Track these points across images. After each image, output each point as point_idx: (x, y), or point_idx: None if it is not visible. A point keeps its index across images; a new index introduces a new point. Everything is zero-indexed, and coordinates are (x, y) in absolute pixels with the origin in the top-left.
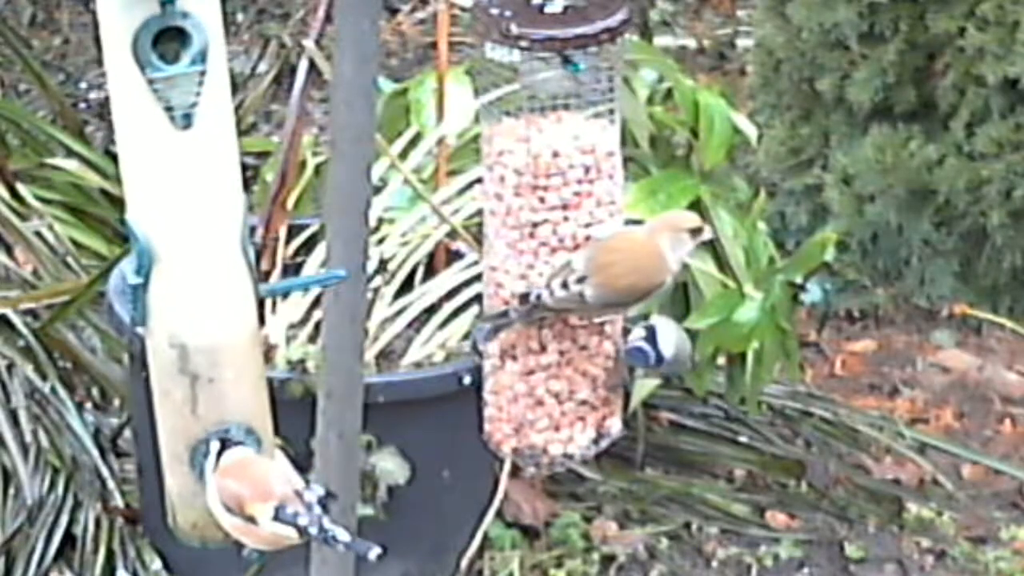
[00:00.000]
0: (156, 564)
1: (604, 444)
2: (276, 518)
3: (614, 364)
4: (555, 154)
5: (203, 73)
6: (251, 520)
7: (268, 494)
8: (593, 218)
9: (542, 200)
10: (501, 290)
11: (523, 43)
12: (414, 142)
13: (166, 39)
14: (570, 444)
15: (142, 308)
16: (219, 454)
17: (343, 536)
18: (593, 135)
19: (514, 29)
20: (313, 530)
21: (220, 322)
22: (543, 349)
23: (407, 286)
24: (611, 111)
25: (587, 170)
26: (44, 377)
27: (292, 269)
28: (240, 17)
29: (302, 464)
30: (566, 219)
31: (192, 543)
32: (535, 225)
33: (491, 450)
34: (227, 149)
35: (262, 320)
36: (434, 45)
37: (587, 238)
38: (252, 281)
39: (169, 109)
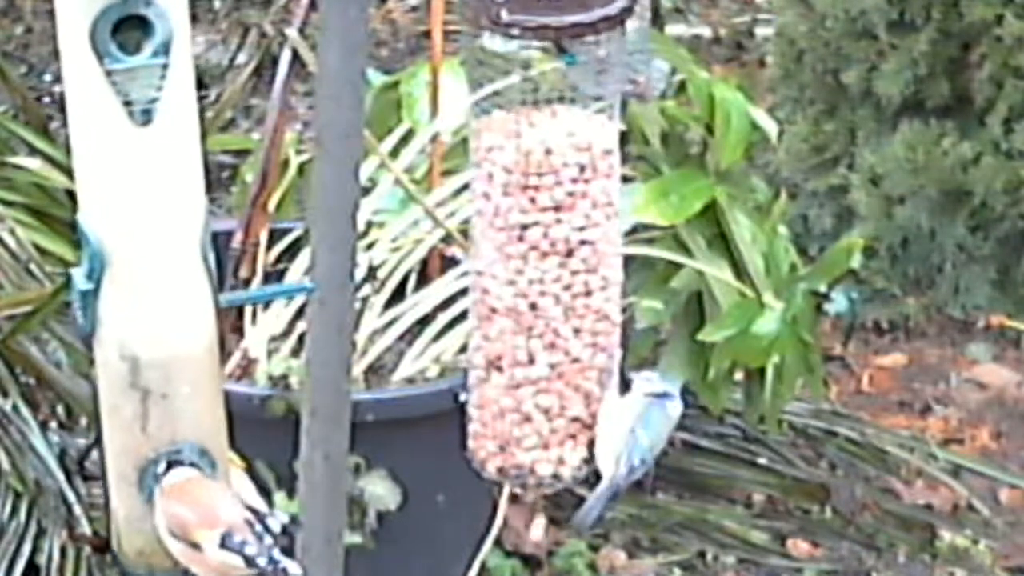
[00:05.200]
0: None
1: (596, 465)
2: (223, 546)
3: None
4: (548, 151)
5: (166, 66)
6: (196, 547)
7: (215, 521)
8: (588, 221)
9: (533, 200)
10: (488, 296)
11: (515, 32)
12: (406, 139)
13: (127, 28)
14: (560, 465)
15: (92, 316)
16: (165, 473)
17: (294, 570)
18: (590, 132)
19: (505, 16)
20: (262, 561)
21: (175, 333)
22: (532, 361)
23: (398, 295)
24: (611, 106)
25: (582, 169)
26: (5, 394)
27: (274, 276)
28: (217, 4)
29: (268, 488)
30: (558, 221)
31: (139, 572)
32: (524, 227)
33: (474, 469)
34: (189, 148)
35: (239, 332)
36: (427, 34)
37: (581, 242)
38: (211, 290)
39: (128, 103)
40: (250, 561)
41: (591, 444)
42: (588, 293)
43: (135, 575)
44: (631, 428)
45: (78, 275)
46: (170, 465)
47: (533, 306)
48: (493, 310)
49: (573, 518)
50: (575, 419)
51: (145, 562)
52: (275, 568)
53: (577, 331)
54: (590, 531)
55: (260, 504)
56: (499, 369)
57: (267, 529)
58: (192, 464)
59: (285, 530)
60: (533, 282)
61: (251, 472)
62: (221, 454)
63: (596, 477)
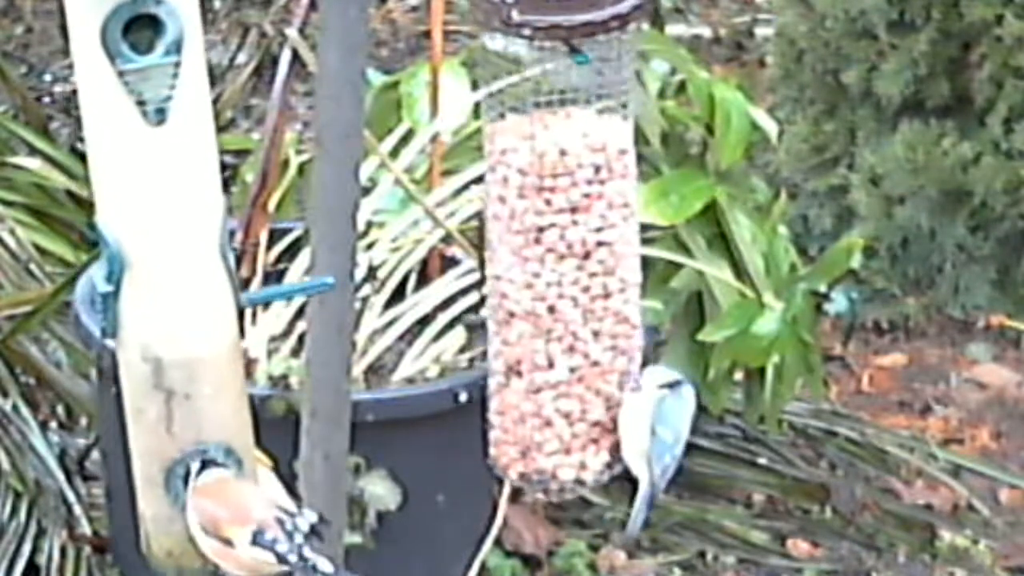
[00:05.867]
0: None
1: (619, 469)
2: (254, 543)
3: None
4: (562, 152)
5: (178, 64)
6: (228, 543)
7: (246, 518)
8: (604, 221)
9: (548, 202)
10: (506, 301)
11: (526, 32)
12: (406, 139)
13: (138, 28)
14: (582, 469)
15: (113, 318)
16: (199, 473)
17: (325, 567)
18: (604, 132)
19: (516, 16)
20: (292, 558)
21: (197, 333)
22: (552, 365)
23: (398, 295)
24: (623, 105)
25: (597, 170)
26: (5, 394)
27: (274, 276)
28: (218, 4)
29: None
30: (575, 223)
31: (167, 572)
32: (541, 229)
33: (497, 475)
34: (204, 146)
35: (242, 331)
36: (427, 34)
37: (598, 243)
38: (232, 289)
39: (141, 103)
40: (281, 558)
41: (615, 448)
42: (606, 295)
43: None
44: (651, 428)
45: (98, 278)
46: (204, 464)
47: (551, 309)
48: (511, 314)
49: (623, 533)
50: (596, 423)
51: (175, 563)
52: (305, 565)
53: (596, 334)
54: (638, 536)
55: (288, 503)
56: (519, 374)
57: (297, 527)
58: (221, 464)
59: (314, 529)
60: (551, 285)
61: (278, 471)
62: (247, 453)
63: (629, 480)
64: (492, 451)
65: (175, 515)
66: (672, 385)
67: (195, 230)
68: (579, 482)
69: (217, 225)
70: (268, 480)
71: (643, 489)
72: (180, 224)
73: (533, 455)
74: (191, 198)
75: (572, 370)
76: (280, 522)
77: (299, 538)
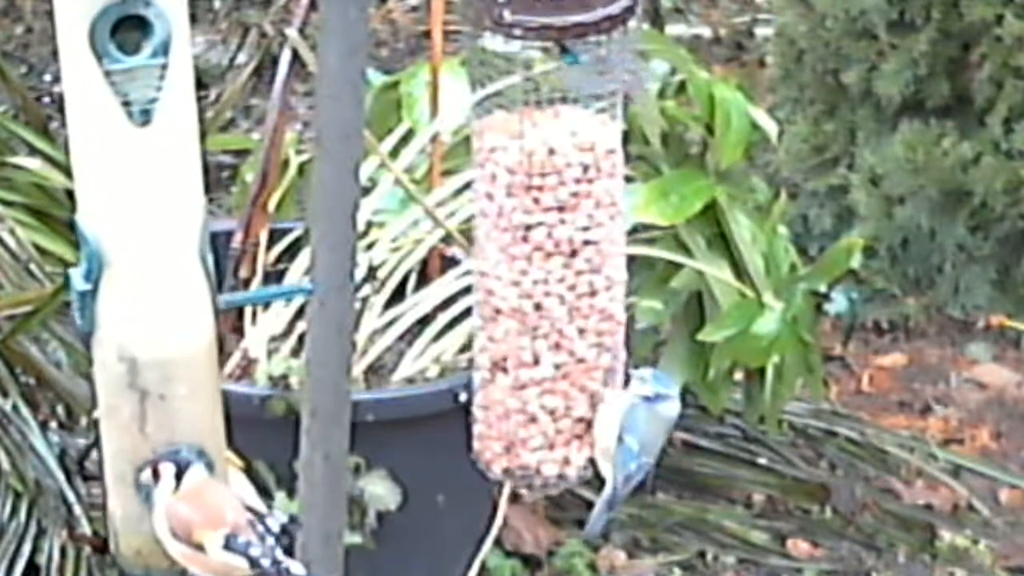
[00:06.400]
0: None
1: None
2: (227, 547)
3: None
4: (551, 151)
5: (164, 66)
6: (199, 548)
7: (219, 522)
8: (592, 221)
9: (536, 201)
10: (492, 297)
11: (517, 32)
12: (406, 139)
13: (126, 29)
14: (565, 465)
15: (90, 317)
16: (177, 478)
17: (297, 570)
18: (592, 131)
19: (507, 16)
20: (265, 562)
21: (173, 334)
22: (537, 362)
23: (398, 295)
24: (613, 106)
25: (585, 169)
26: (5, 394)
27: (274, 276)
28: (217, 4)
29: (268, 488)
30: (562, 222)
31: (136, 571)
32: (528, 228)
33: (480, 470)
34: (188, 149)
35: (239, 332)
36: (427, 34)
37: (585, 242)
38: (210, 291)
39: (127, 104)
40: (254, 562)
41: (593, 446)
42: (592, 293)
43: (133, 575)
44: (618, 434)
45: (76, 276)
46: (179, 469)
47: (538, 307)
48: (498, 311)
49: (584, 531)
50: (580, 419)
51: (143, 562)
52: (278, 569)
53: (582, 331)
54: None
55: (259, 504)
56: (504, 370)
57: (269, 530)
58: (191, 464)
59: (284, 530)
60: (537, 283)
61: (249, 472)
62: (219, 455)
63: (599, 478)
64: (476, 446)
65: (144, 514)
66: (650, 398)
67: (175, 232)
68: (562, 477)
69: (197, 227)
70: (238, 481)
71: (605, 492)
72: (160, 225)
73: (517, 451)
74: (172, 200)
75: (557, 367)
76: (252, 525)
77: (271, 541)
